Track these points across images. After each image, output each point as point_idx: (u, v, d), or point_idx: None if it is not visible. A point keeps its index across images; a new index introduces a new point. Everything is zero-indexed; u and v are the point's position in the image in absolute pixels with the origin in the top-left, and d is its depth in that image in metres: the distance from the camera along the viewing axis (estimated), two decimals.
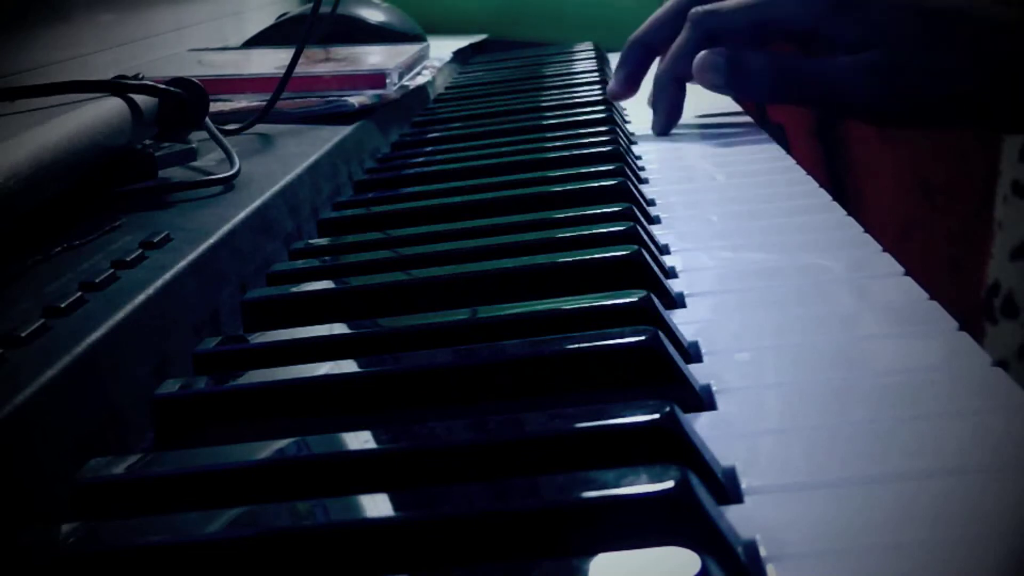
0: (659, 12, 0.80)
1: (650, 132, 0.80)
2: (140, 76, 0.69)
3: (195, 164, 0.63)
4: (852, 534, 0.28)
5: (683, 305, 0.46)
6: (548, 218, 0.55)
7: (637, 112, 0.87)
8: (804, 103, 0.78)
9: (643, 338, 0.37)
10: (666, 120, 0.79)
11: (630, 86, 0.83)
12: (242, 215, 0.52)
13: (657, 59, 0.81)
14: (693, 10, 0.75)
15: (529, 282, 0.46)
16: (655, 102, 0.79)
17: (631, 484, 0.28)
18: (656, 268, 0.47)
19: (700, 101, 0.90)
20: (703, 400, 0.37)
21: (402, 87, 0.86)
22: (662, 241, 0.54)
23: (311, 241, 0.58)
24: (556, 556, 0.26)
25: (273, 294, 0.48)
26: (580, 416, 0.32)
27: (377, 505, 0.29)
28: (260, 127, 0.73)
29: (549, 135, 0.77)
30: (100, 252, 0.46)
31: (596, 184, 0.60)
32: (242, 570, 0.28)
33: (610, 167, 0.64)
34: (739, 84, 0.73)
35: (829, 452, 0.33)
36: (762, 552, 0.28)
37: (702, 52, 0.74)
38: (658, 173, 0.69)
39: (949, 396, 0.35)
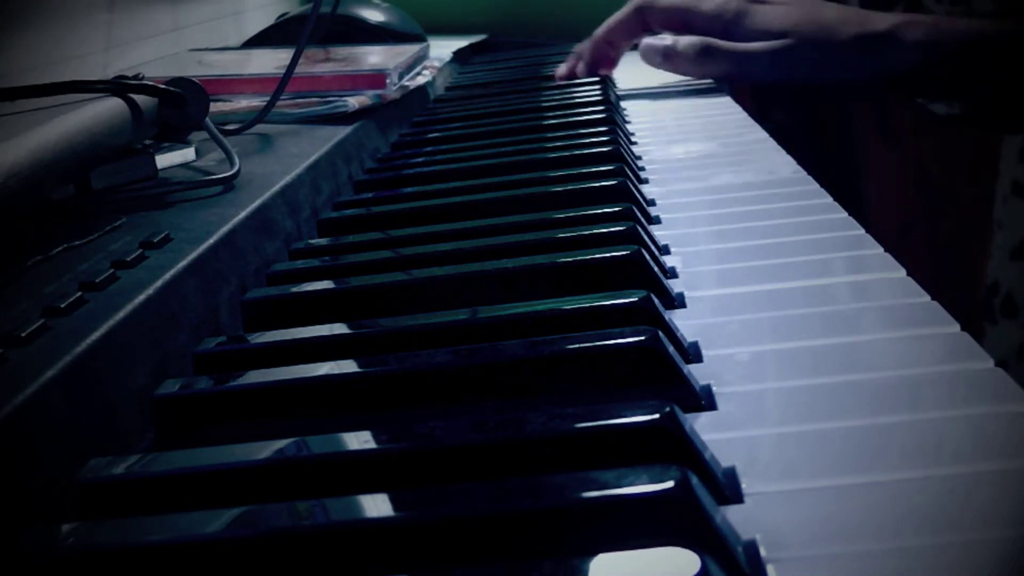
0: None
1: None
2: (140, 76, 0.69)
3: (195, 164, 0.63)
4: (852, 534, 0.28)
5: (683, 305, 0.46)
6: (548, 218, 0.55)
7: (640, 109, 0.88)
8: (722, 77, 0.95)
9: (643, 338, 0.37)
10: (588, 72, 0.99)
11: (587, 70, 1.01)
12: (242, 215, 0.52)
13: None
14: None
15: (529, 282, 0.46)
16: (585, 54, 0.99)
17: (631, 484, 0.28)
18: (656, 268, 0.47)
19: (702, 104, 0.90)
20: (703, 400, 0.37)
21: (402, 87, 0.86)
22: (662, 242, 0.54)
23: (311, 241, 0.58)
24: (556, 556, 0.26)
25: (273, 294, 0.48)
26: (580, 416, 0.32)
27: (377, 505, 0.29)
28: (260, 127, 0.73)
29: (549, 135, 0.77)
30: (100, 252, 0.46)
31: (596, 184, 0.60)
32: (242, 570, 0.28)
33: (610, 167, 0.64)
34: (672, 62, 0.93)
35: (829, 452, 0.32)
36: (762, 552, 0.28)
37: (647, 38, 0.95)
38: (658, 174, 0.69)
39: (949, 396, 0.35)
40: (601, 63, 1.00)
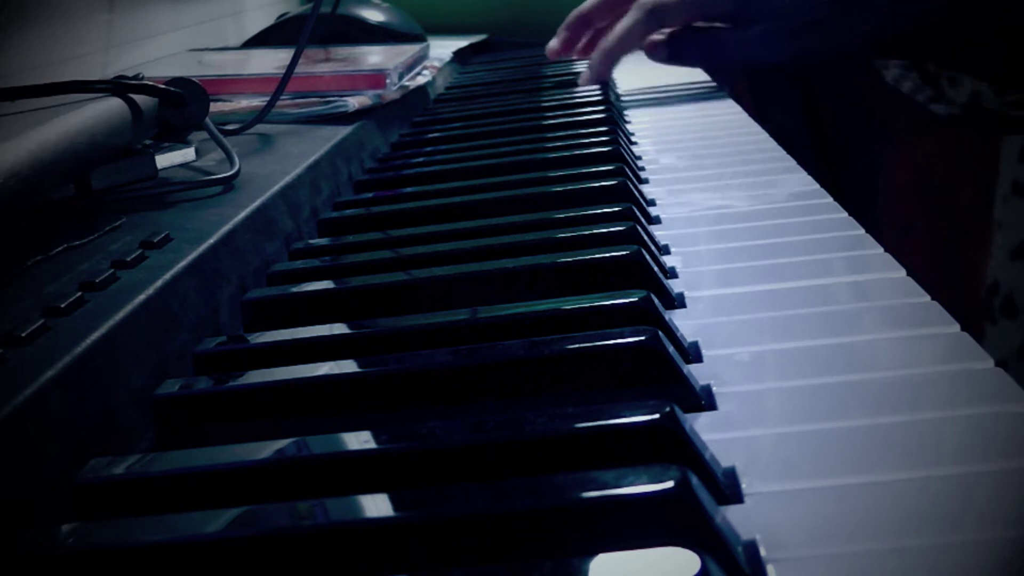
0: None
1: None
2: (140, 76, 0.69)
3: (195, 164, 0.63)
4: (852, 534, 0.28)
5: (683, 305, 0.46)
6: (548, 218, 0.55)
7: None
8: (730, 66, 0.96)
9: (643, 338, 0.37)
10: (597, 80, 0.94)
11: (565, 49, 1.01)
12: (242, 215, 0.52)
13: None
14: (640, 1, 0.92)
15: (529, 282, 0.46)
16: (596, 65, 0.94)
17: (631, 484, 0.28)
18: (656, 268, 0.47)
19: (702, 105, 0.90)
20: (703, 400, 0.37)
21: (402, 87, 0.86)
22: (662, 242, 0.54)
23: (311, 241, 0.58)
24: (556, 556, 0.26)
25: (273, 294, 0.48)
26: (580, 416, 0.32)
27: (377, 505, 0.29)
28: (260, 127, 0.73)
29: (549, 135, 0.77)
30: (100, 252, 0.46)
31: (596, 184, 0.60)
32: (242, 570, 0.28)
33: (610, 167, 0.64)
34: (678, 58, 0.91)
35: (829, 452, 0.32)
36: (762, 552, 0.28)
37: (651, 36, 0.91)
38: (658, 174, 0.69)
39: (949, 396, 0.35)
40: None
